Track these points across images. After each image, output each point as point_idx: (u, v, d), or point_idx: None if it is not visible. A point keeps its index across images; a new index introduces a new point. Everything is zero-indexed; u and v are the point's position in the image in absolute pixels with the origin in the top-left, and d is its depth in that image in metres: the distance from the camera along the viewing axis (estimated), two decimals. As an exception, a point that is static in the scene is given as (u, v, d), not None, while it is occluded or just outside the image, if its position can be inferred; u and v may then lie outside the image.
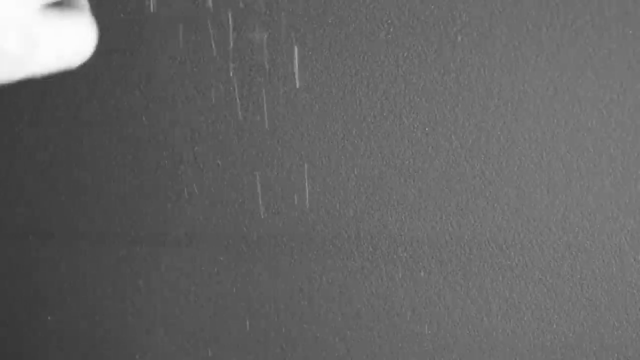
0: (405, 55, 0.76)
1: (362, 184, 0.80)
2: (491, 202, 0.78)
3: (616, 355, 0.78)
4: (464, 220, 0.78)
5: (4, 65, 0.36)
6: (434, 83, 0.76)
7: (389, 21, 0.76)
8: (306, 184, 0.81)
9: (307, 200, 0.81)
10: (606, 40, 0.73)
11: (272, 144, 0.83)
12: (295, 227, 0.82)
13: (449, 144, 0.77)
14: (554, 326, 0.79)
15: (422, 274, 0.80)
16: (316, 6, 0.80)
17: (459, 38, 0.75)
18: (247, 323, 0.85)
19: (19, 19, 0.36)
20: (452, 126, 0.77)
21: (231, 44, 0.86)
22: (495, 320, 0.80)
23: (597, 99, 0.75)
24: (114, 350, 0.89)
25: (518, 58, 0.75)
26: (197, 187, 0.86)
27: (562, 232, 0.77)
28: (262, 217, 0.83)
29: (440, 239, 0.79)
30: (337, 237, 0.81)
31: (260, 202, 0.83)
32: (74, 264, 0.88)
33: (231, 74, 0.87)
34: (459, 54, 0.75)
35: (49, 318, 0.89)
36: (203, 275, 0.86)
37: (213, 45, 0.89)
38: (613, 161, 0.75)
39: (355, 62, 0.78)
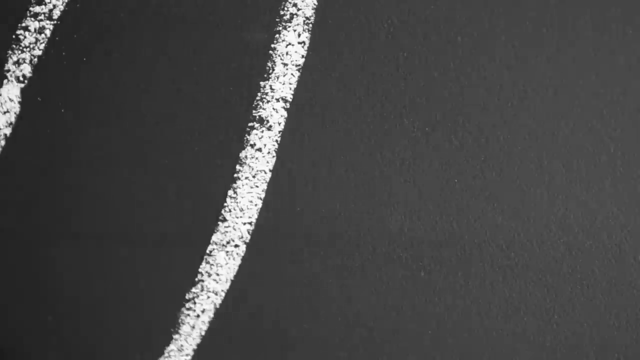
0: (405, 55, 0.77)
1: (362, 184, 0.80)
2: (491, 202, 0.78)
3: (616, 355, 0.78)
4: (464, 220, 0.78)
5: None
6: (434, 83, 0.76)
7: (389, 21, 0.76)
8: (306, 184, 0.81)
9: (307, 201, 0.81)
10: (606, 40, 0.73)
11: (272, 144, 0.83)
12: (295, 227, 0.82)
13: (449, 144, 0.77)
14: (554, 326, 0.79)
15: (422, 274, 0.80)
16: (316, 7, 0.80)
17: (459, 38, 0.75)
18: (247, 323, 0.85)
19: None
20: (452, 126, 0.77)
21: (231, 45, 0.86)
22: (495, 320, 0.80)
23: (597, 99, 0.75)
24: (114, 350, 0.89)
25: (518, 58, 0.75)
26: (197, 187, 0.86)
27: (562, 232, 0.77)
28: (263, 217, 0.83)
29: (440, 239, 0.79)
30: (337, 237, 0.81)
31: (261, 203, 0.83)
32: (74, 264, 0.88)
33: (231, 74, 0.87)
34: (459, 54, 0.75)
35: (49, 318, 0.89)
36: (203, 275, 0.86)
37: (214, 46, 0.88)
38: (613, 161, 0.75)
39: (356, 62, 0.78)
